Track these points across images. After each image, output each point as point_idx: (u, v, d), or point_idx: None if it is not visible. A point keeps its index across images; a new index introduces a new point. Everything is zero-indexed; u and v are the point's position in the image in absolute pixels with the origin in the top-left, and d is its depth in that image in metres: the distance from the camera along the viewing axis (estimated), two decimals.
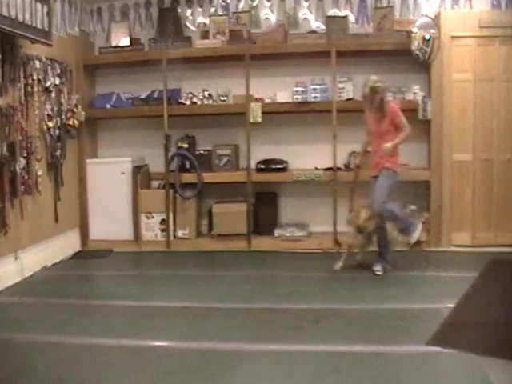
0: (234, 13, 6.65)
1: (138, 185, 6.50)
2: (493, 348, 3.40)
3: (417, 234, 5.22)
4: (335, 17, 6.45)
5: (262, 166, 6.39)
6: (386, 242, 5.20)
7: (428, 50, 5.91)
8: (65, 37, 6.20)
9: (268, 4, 6.65)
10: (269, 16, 6.66)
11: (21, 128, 5.03)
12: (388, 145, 4.92)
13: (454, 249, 6.05)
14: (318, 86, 6.26)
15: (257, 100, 6.33)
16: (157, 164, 6.65)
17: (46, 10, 5.09)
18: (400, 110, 5.07)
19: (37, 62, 5.32)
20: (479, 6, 6.18)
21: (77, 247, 6.50)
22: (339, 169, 6.29)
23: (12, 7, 4.52)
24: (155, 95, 6.54)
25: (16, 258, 5.15)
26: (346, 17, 6.42)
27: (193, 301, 4.51)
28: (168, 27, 6.64)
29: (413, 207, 6.21)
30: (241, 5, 6.71)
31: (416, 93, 6.08)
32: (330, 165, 6.22)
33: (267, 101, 6.39)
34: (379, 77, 5.12)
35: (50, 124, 5.62)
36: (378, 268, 5.09)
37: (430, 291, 4.64)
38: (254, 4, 6.67)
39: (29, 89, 5.22)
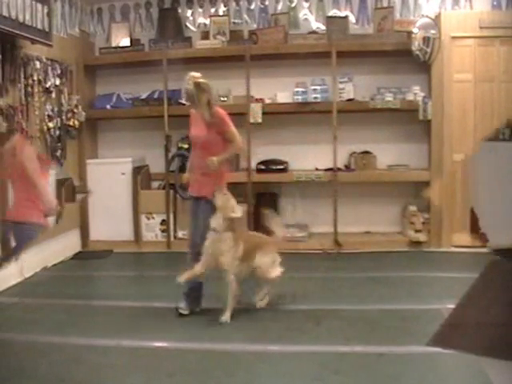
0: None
1: (139, 185, 6.50)
2: (493, 348, 3.39)
3: None
4: (335, 17, 6.45)
5: (263, 167, 6.39)
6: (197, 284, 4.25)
7: (428, 50, 5.91)
8: (65, 37, 6.21)
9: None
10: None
11: (21, 128, 5.03)
12: (214, 159, 4.03)
13: (454, 249, 6.04)
14: (318, 87, 6.27)
15: (257, 100, 6.32)
16: (157, 164, 6.66)
17: (46, 10, 5.10)
18: (228, 117, 4.16)
19: (37, 63, 5.33)
20: (479, 6, 6.20)
21: (77, 248, 6.49)
22: (339, 169, 6.29)
23: (12, 8, 4.53)
24: (155, 96, 6.54)
25: (16, 259, 5.14)
26: (346, 17, 6.43)
27: None
28: (168, 28, 6.65)
29: (413, 207, 6.23)
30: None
31: (416, 93, 6.08)
32: (331, 165, 6.22)
33: (267, 101, 6.38)
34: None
35: (51, 124, 5.63)
36: (182, 305, 4.20)
37: (430, 292, 4.63)
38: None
39: (29, 89, 5.23)
